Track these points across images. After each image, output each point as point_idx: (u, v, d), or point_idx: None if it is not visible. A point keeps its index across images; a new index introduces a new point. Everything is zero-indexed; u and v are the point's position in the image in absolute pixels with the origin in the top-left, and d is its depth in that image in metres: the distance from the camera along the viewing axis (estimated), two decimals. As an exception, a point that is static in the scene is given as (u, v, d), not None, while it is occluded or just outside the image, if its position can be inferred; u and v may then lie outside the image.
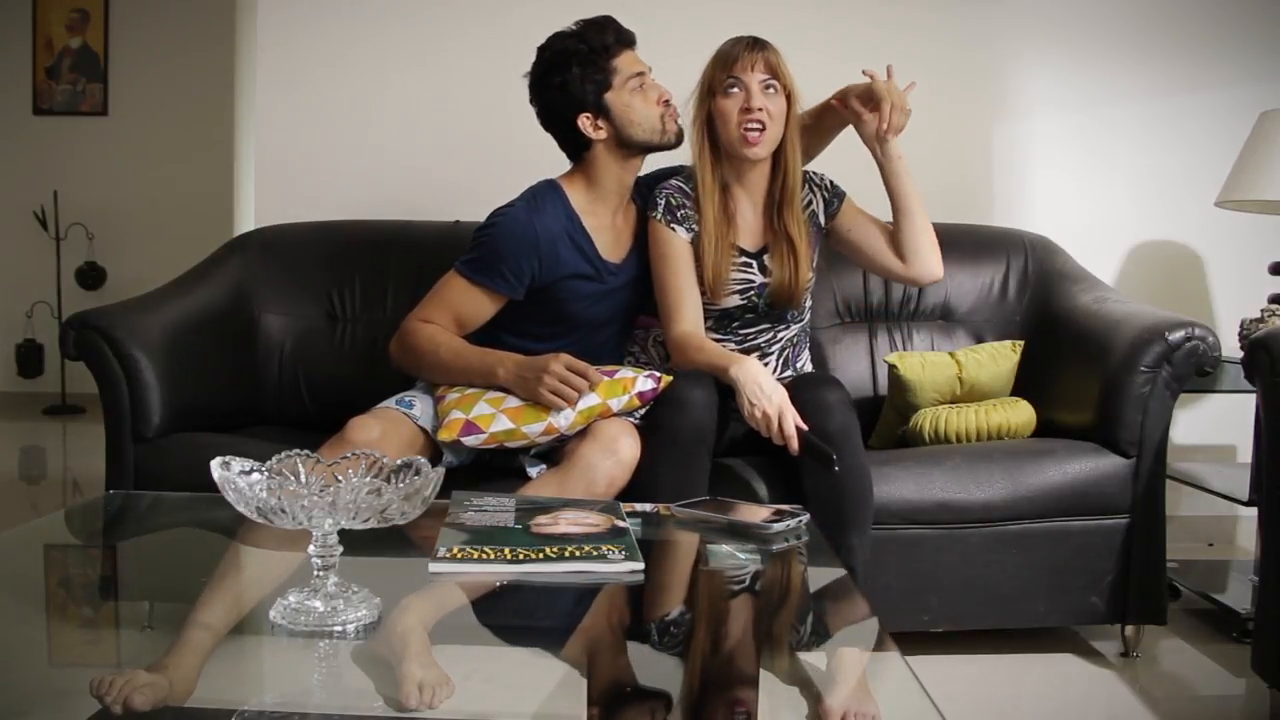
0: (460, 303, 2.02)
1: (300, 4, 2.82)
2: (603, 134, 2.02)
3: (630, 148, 2.04)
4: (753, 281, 2.07)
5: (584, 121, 2.01)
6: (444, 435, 1.88)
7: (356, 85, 2.83)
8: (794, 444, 1.81)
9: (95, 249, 5.42)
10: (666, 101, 2.04)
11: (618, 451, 1.83)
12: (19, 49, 5.50)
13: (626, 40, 2.03)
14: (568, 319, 2.07)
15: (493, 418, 1.88)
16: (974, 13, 2.90)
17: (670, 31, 2.73)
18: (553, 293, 2.03)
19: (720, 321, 2.09)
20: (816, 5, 2.87)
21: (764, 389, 1.84)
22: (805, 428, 1.82)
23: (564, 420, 1.88)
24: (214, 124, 4.97)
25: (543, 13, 2.78)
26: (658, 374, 1.94)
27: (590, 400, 1.88)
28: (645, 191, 2.16)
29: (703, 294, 2.06)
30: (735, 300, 2.07)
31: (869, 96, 2.05)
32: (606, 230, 2.09)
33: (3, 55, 5.49)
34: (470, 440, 1.88)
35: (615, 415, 1.90)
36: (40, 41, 5.52)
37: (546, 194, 2.05)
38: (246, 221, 3.25)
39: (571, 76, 1.99)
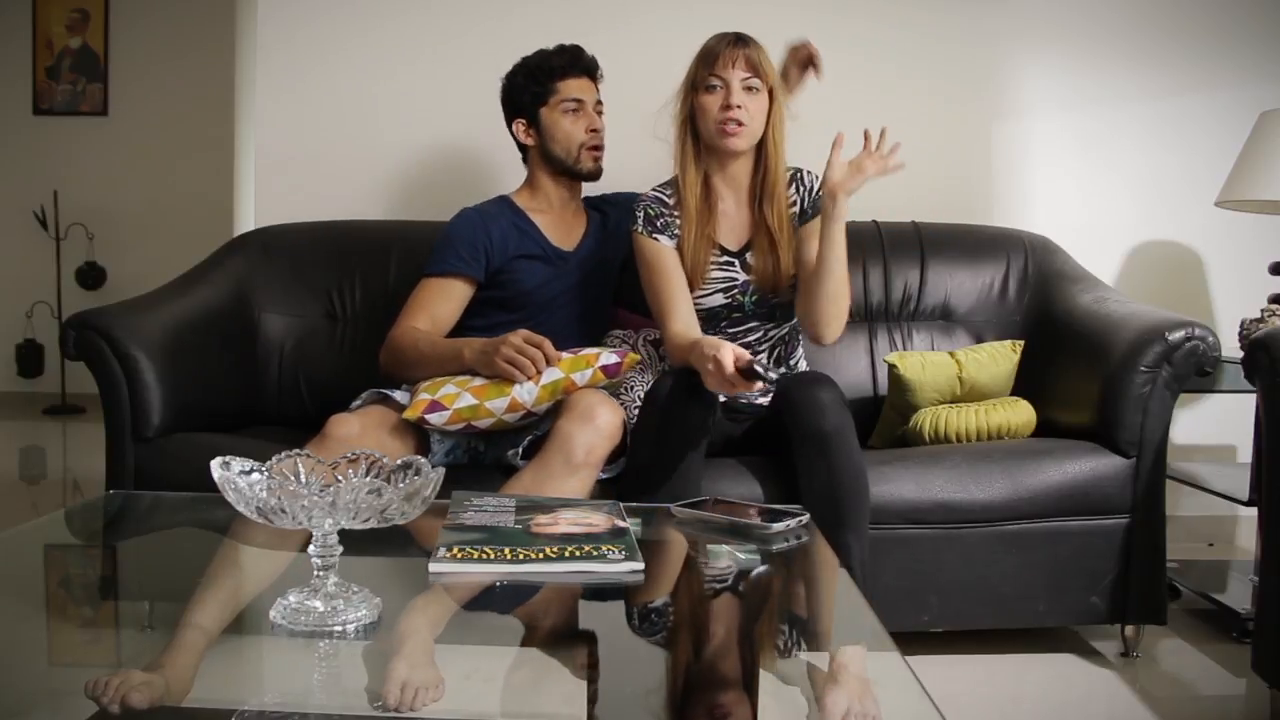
0: (432, 301, 2.16)
1: (300, 4, 2.82)
2: (531, 141, 2.26)
3: (552, 163, 2.24)
4: (735, 280, 2.07)
5: (517, 126, 2.27)
6: (409, 414, 1.92)
7: (356, 85, 2.83)
8: (728, 364, 1.72)
9: (95, 249, 5.43)
10: (594, 130, 2.22)
11: (594, 419, 1.84)
12: (19, 49, 5.51)
13: (582, 68, 2.24)
14: (527, 300, 2.20)
15: (457, 396, 1.92)
16: (974, 12, 2.90)
17: (665, 28, 2.74)
18: (508, 274, 2.19)
19: (708, 321, 2.10)
20: (816, 4, 2.87)
21: (705, 352, 1.78)
22: (746, 357, 1.75)
23: (528, 395, 1.91)
24: (214, 124, 4.97)
25: (542, 13, 2.79)
26: (622, 350, 1.96)
27: (553, 374, 1.92)
28: (610, 209, 2.35)
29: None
30: (719, 299, 2.08)
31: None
32: (553, 223, 2.27)
33: (3, 55, 5.50)
34: (434, 417, 1.90)
35: (582, 389, 1.92)
36: (40, 41, 5.53)
37: (494, 201, 2.28)
38: (246, 221, 3.25)
39: (516, 83, 2.25)
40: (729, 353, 1.74)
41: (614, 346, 2.22)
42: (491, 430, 1.96)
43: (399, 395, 2.02)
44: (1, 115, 5.49)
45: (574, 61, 2.23)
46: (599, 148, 2.24)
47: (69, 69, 5.53)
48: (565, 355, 1.95)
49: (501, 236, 2.20)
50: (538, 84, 2.22)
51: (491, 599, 1.26)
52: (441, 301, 2.16)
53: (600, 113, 2.26)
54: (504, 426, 1.95)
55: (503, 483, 1.87)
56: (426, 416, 1.90)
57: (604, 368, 1.93)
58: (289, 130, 2.82)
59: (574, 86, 2.22)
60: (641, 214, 2.08)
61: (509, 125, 2.29)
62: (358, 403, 2.07)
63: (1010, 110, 2.93)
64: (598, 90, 2.27)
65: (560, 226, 2.27)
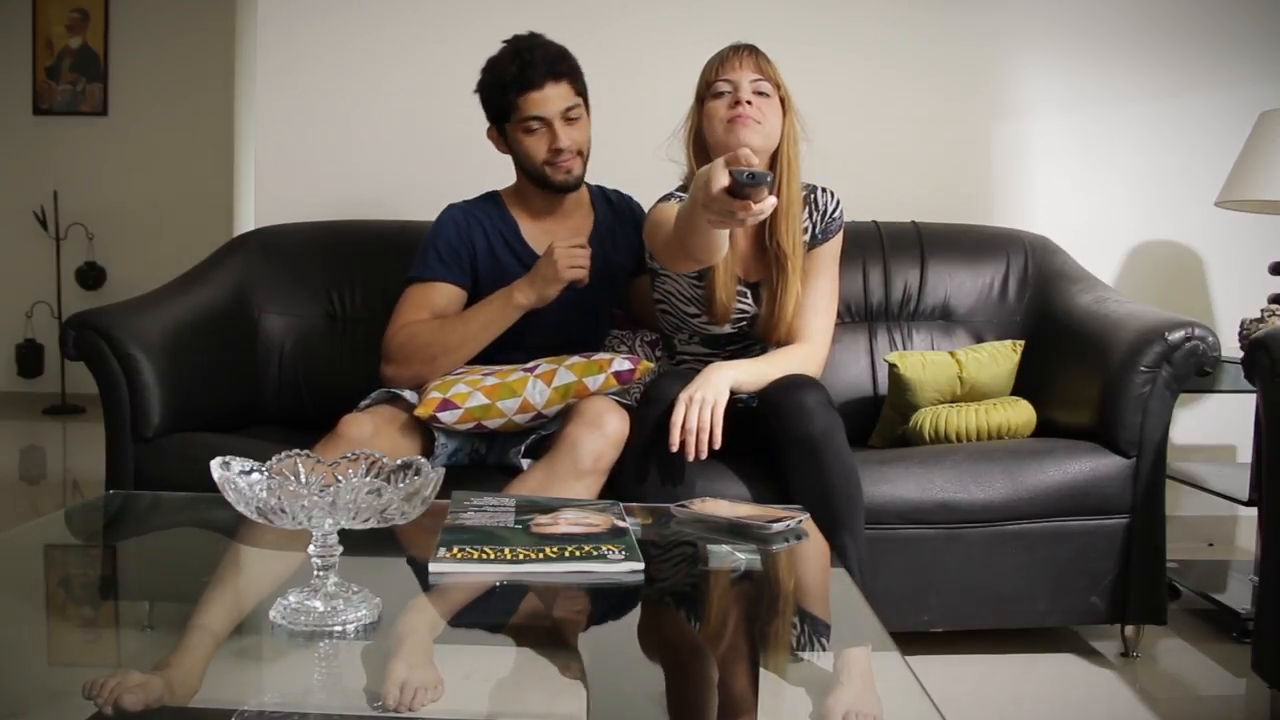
0: (425, 301, 2.07)
1: (300, 4, 2.82)
2: (504, 151, 2.14)
3: (527, 175, 2.12)
4: (746, 312, 2.05)
5: (490, 133, 2.14)
6: (420, 411, 1.90)
7: (356, 85, 2.83)
8: (721, 181, 1.38)
9: (95, 249, 5.43)
10: (556, 150, 2.04)
11: (603, 427, 1.83)
12: (19, 49, 5.51)
13: (543, 75, 2.01)
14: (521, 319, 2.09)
15: (469, 395, 1.90)
16: (974, 12, 2.90)
17: (666, 35, 2.74)
18: (492, 289, 2.07)
19: (708, 342, 2.09)
20: (817, 3, 2.87)
21: (697, 196, 1.49)
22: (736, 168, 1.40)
23: (539, 396, 1.90)
24: (214, 124, 4.98)
25: (543, 12, 2.79)
26: (635, 356, 1.95)
27: (566, 378, 1.91)
28: (618, 204, 2.26)
29: (708, 321, 2.05)
30: (726, 328, 2.07)
31: None
32: (544, 233, 2.15)
33: (3, 55, 5.50)
34: (446, 416, 1.89)
35: (594, 394, 1.91)
36: (40, 41, 5.53)
37: (483, 200, 2.19)
38: (246, 221, 3.26)
39: (482, 95, 2.10)
40: (719, 173, 1.40)
41: (614, 349, 2.21)
42: (501, 431, 1.96)
43: (408, 394, 2.00)
44: (1, 115, 5.49)
45: (528, 71, 2.00)
46: (568, 160, 2.06)
47: (69, 69, 5.53)
48: (578, 359, 1.95)
49: (486, 249, 2.11)
50: (499, 99, 2.05)
51: (491, 599, 1.26)
52: (436, 302, 2.07)
53: (572, 119, 2.05)
54: (514, 427, 1.95)
55: (505, 483, 1.87)
56: (438, 415, 1.89)
57: (617, 374, 1.92)
58: (289, 130, 2.82)
59: (533, 102, 2.01)
60: (673, 195, 1.99)
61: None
62: (367, 402, 2.05)
63: (1010, 110, 2.93)
64: (571, 90, 2.05)
65: (552, 237, 2.13)
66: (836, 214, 2.05)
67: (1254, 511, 2.15)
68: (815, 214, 2.05)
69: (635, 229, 2.23)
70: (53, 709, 0.97)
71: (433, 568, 1.25)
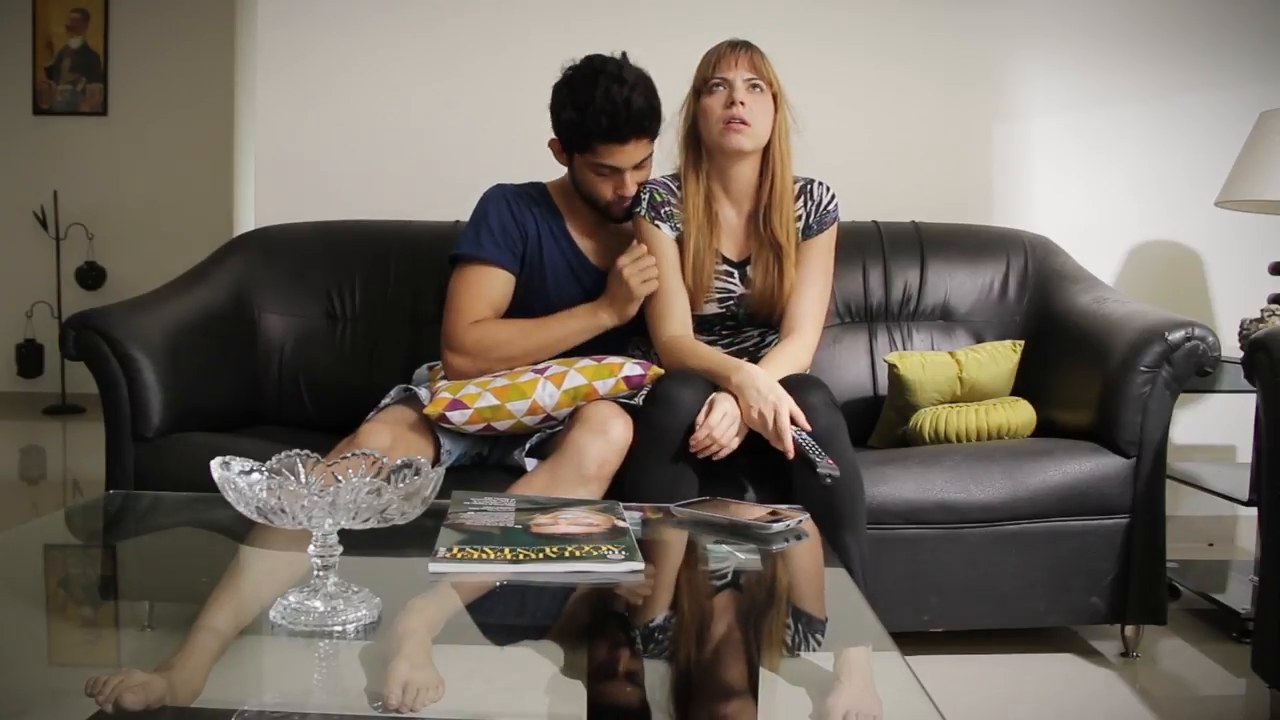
0: (486, 288, 2.05)
1: (300, 5, 2.82)
2: (564, 164, 2.11)
3: (580, 192, 2.11)
4: (733, 292, 2.06)
5: (554, 145, 2.09)
6: (430, 410, 1.90)
7: (356, 85, 2.83)
8: (788, 443, 1.79)
9: (95, 249, 5.43)
10: (621, 195, 2.04)
11: (607, 433, 1.83)
12: (19, 49, 5.50)
13: (630, 136, 1.98)
14: (547, 313, 2.08)
15: (478, 395, 1.90)
16: (974, 12, 2.90)
17: (667, 30, 2.74)
18: (536, 285, 2.08)
19: (703, 328, 2.09)
20: (818, 1, 2.87)
21: (761, 390, 1.82)
22: (808, 427, 1.80)
23: (549, 398, 1.90)
24: (214, 124, 4.97)
25: (543, 13, 2.79)
26: (646, 362, 1.95)
27: (576, 380, 1.91)
28: None
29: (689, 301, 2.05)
30: (714, 308, 2.07)
31: None
32: (588, 237, 2.14)
33: (3, 55, 5.50)
34: (455, 415, 1.89)
35: (602, 398, 1.91)
36: (40, 41, 5.52)
37: (530, 188, 2.16)
38: (246, 221, 3.26)
39: (557, 117, 2.03)
40: (785, 418, 1.78)
41: (629, 354, 2.20)
42: (509, 433, 1.96)
43: (424, 393, 1.98)
44: (1, 115, 5.49)
45: (618, 128, 1.97)
46: (629, 200, 2.05)
47: (69, 69, 5.53)
48: (588, 362, 1.94)
49: (536, 238, 2.09)
50: (578, 139, 2.01)
51: (491, 599, 1.26)
52: (492, 287, 2.05)
53: (642, 167, 2.05)
54: (522, 429, 1.95)
55: (506, 484, 1.87)
56: (448, 414, 1.89)
57: (627, 378, 1.92)
58: (289, 130, 2.82)
59: (613, 154, 2.00)
60: (646, 197, 2.04)
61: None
62: (387, 400, 2.05)
63: (1010, 110, 2.93)
64: (650, 142, 2.04)
65: (595, 239, 2.15)
66: (831, 207, 2.07)
67: (1254, 511, 2.16)
68: (810, 204, 2.07)
69: None
70: (54, 709, 0.97)
71: (432, 568, 1.25)
